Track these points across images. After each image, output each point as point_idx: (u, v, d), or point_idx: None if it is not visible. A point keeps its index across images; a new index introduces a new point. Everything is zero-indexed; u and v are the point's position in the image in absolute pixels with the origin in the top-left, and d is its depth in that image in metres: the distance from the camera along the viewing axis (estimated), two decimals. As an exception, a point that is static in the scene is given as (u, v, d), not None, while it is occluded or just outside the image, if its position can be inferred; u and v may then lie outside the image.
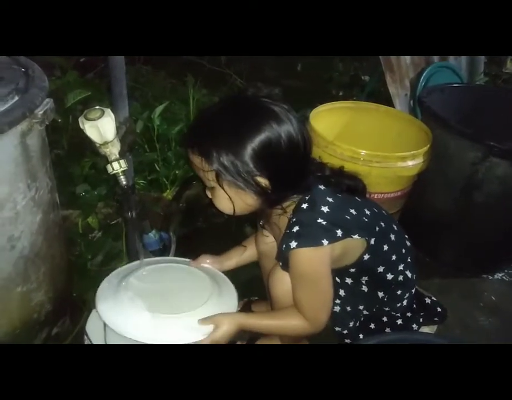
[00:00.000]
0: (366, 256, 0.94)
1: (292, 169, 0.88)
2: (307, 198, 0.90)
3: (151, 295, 0.95)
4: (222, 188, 0.88)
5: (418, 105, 1.73)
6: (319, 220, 0.87)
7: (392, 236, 0.99)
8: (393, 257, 0.99)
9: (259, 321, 0.96)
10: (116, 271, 1.05)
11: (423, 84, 1.90)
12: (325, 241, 0.85)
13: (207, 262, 1.08)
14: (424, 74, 1.91)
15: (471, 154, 1.37)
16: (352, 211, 0.93)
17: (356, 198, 0.97)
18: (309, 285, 0.90)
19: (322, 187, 0.92)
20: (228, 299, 0.98)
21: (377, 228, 0.96)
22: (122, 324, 0.89)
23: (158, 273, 1.03)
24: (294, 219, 0.89)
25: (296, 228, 0.87)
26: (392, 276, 0.99)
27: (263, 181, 0.86)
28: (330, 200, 0.90)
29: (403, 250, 1.02)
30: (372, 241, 0.93)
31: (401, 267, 1.00)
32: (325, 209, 0.88)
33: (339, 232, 0.87)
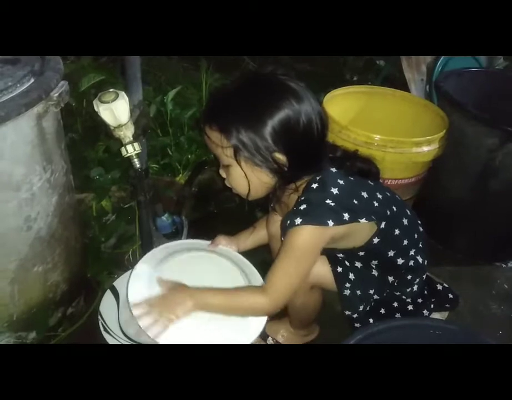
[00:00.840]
0: (376, 240, 0.94)
1: (310, 148, 0.88)
2: (318, 178, 0.90)
3: None
4: (239, 165, 0.88)
5: (435, 89, 1.69)
6: (328, 201, 0.87)
7: (405, 221, 0.99)
8: (405, 242, 0.98)
9: (214, 296, 0.88)
10: (146, 261, 0.97)
11: (440, 68, 1.86)
12: (330, 222, 0.85)
13: (223, 243, 1.08)
14: (441, 59, 1.86)
15: (488, 140, 1.35)
16: (364, 194, 0.92)
17: (369, 181, 0.97)
18: (294, 258, 0.88)
19: (334, 169, 0.92)
20: None
21: (388, 212, 0.95)
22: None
23: (188, 265, 1.00)
24: (303, 198, 0.89)
25: (303, 206, 0.87)
26: (403, 261, 0.99)
27: (281, 158, 0.86)
28: (341, 182, 0.90)
29: (416, 235, 1.01)
30: (382, 225, 0.93)
31: (412, 252, 1.00)
32: (334, 190, 0.88)
33: (346, 215, 0.87)
